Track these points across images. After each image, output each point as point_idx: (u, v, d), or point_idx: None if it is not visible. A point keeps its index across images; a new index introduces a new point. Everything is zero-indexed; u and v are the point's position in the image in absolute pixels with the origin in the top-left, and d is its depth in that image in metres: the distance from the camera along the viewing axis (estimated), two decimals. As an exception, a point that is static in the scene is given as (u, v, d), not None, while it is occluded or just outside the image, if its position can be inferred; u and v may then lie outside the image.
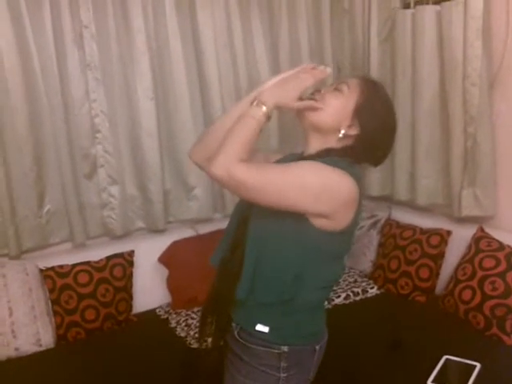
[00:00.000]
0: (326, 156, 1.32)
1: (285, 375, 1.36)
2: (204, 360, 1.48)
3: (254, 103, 1.25)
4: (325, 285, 1.39)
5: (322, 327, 1.46)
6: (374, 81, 1.39)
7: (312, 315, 1.41)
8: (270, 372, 1.36)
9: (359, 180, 1.29)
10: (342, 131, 1.33)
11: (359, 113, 1.32)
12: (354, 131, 1.33)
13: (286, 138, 3.18)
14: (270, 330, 1.35)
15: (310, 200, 1.22)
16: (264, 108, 1.24)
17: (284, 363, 1.36)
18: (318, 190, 1.22)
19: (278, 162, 1.46)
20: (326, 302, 2.65)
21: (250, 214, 1.35)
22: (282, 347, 1.35)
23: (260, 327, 1.35)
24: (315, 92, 1.35)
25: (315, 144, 1.37)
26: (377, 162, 1.44)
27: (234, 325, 1.43)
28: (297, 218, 1.25)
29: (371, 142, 1.35)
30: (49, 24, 2.58)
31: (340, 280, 2.94)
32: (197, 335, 2.43)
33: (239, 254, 1.35)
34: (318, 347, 1.41)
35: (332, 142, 1.34)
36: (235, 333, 1.42)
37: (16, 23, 2.48)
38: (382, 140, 1.37)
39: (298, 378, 1.40)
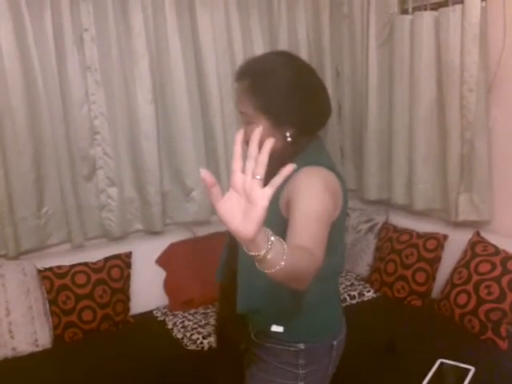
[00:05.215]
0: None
1: (303, 372, 1.38)
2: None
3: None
4: (325, 276, 1.27)
5: (336, 321, 1.46)
6: (250, 76, 1.30)
7: (322, 310, 1.40)
8: (289, 369, 1.39)
9: (337, 171, 1.31)
10: (288, 139, 1.30)
11: (278, 119, 1.28)
12: (293, 128, 1.30)
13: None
14: (285, 329, 1.37)
15: (331, 210, 1.23)
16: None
17: (302, 360, 1.38)
18: (328, 204, 1.21)
19: None
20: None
21: None
22: (299, 345, 1.37)
23: (275, 328, 1.37)
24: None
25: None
26: (323, 123, 1.39)
27: (250, 327, 1.45)
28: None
29: (305, 117, 1.31)
30: (49, 27, 2.59)
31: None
32: (199, 337, 2.48)
33: (233, 271, 1.37)
34: (335, 342, 1.42)
35: (287, 149, 1.31)
36: (252, 335, 1.44)
37: (17, 25, 2.50)
38: (310, 106, 1.32)
39: (317, 373, 1.42)
